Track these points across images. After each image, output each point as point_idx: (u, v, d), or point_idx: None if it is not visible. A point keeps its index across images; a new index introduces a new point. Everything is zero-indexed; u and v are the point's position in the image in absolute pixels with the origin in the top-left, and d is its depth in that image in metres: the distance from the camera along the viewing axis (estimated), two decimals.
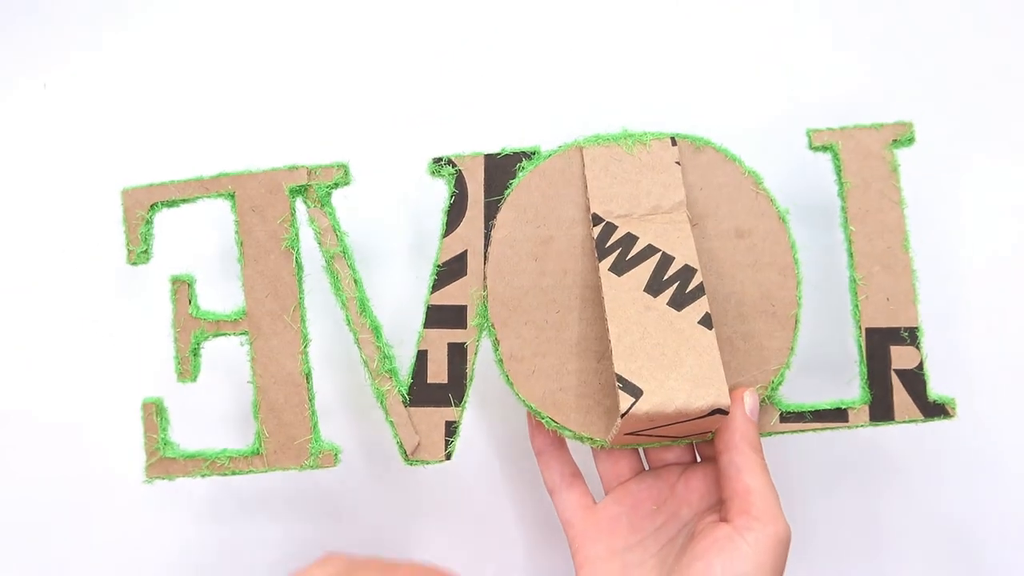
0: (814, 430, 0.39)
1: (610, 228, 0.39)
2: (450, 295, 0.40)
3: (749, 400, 0.38)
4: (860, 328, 0.39)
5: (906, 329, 0.39)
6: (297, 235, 0.41)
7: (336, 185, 0.41)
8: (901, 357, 0.39)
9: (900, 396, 0.39)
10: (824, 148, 0.40)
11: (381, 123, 0.50)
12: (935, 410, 0.39)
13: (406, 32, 0.51)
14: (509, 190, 0.40)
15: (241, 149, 0.50)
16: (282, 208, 0.41)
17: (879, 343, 0.39)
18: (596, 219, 0.39)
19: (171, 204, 0.42)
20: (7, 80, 0.52)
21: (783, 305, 0.39)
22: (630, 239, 0.38)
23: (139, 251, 0.42)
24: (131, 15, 0.52)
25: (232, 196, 0.41)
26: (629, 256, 0.38)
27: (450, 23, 0.51)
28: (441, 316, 0.40)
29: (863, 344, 0.39)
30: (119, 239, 0.50)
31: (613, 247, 0.38)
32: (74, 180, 0.51)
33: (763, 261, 0.39)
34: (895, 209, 0.39)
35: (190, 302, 0.42)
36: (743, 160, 0.40)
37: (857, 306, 0.39)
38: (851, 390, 0.41)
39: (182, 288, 0.42)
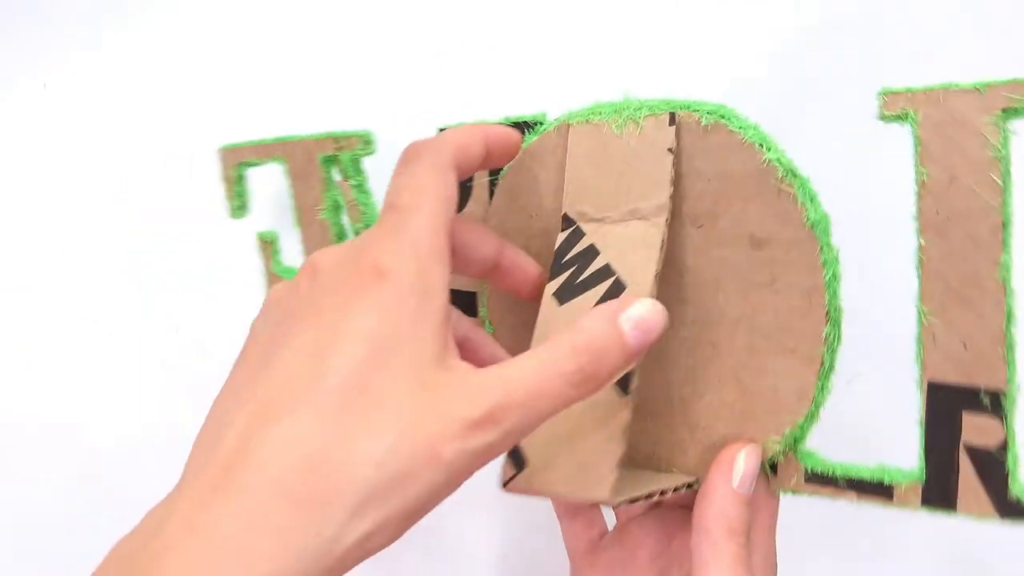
0: (848, 500, 0.30)
1: (576, 236, 0.32)
2: (462, 280, 0.37)
3: (742, 464, 0.29)
4: (922, 380, 0.29)
5: (988, 392, 0.27)
6: (335, 205, 0.40)
7: (359, 155, 0.39)
8: (976, 429, 0.27)
9: (968, 482, 0.27)
10: (900, 118, 0.28)
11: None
12: (1016, 510, 0.27)
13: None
14: (503, 171, 0.35)
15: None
16: (318, 177, 0.40)
17: (946, 405, 0.28)
18: (566, 221, 0.32)
19: (252, 164, 0.42)
20: (7, 80, 0.52)
21: (805, 340, 0.29)
22: (591, 254, 0.31)
23: (236, 206, 0.43)
24: (131, 15, 0.52)
25: (284, 161, 0.41)
26: (581, 278, 0.31)
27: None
28: (455, 301, 0.36)
29: (923, 402, 0.28)
30: (119, 239, 0.50)
31: (569, 263, 0.31)
32: (74, 180, 0.51)
33: (783, 281, 0.29)
34: (991, 216, 0.26)
35: (272, 259, 0.42)
36: (771, 140, 0.30)
37: (921, 349, 0.29)
38: (904, 452, 0.31)
39: (266, 246, 0.42)
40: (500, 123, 0.35)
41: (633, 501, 0.28)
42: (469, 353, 0.32)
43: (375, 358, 0.22)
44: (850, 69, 0.49)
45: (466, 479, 0.23)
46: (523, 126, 0.35)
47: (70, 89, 0.52)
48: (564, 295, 0.31)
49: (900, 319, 0.45)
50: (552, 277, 0.31)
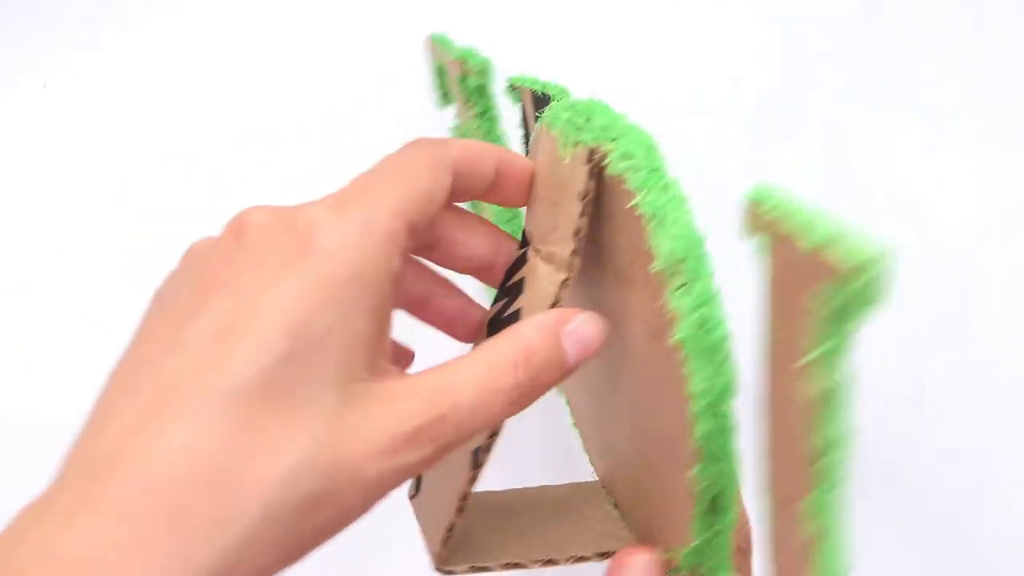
0: None
1: (522, 260, 0.27)
2: None
3: (632, 571, 0.24)
4: None
5: None
6: (479, 125, 0.38)
7: (479, 84, 0.36)
8: None
9: None
10: (755, 235, 0.17)
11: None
12: None
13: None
14: None
15: (241, 150, 0.50)
16: (460, 96, 0.39)
17: None
18: (523, 238, 0.27)
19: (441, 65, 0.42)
20: (7, 80, 0.52)
21: (680, 469, 0.23)
22: (518, 289, 0.26)
23: (441, 95, 0.43)
24: (131, 15, 0.52)
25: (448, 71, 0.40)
26: (504, 314, 0.27)
27: None
28: None
29: None
30: (118, 238, 0.50)
31: (506, 292, 0.27)
32: (74, 180, 0.51)
33: (668, 388, 0.22)
34: (801, 445, 0.16)
35: None
36: (673, 210, 0.22)
37: (770, 545, 0.20)
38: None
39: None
40: (539, 90, 0.29)
41: (483, 570, 0.25)
42: (432, 314, 0.28)
43: (294, 354, 0.18)
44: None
45: (383, 497, 0.20)
46: (546, 99, 0.29)
47: (70, 89, 0.51)
48: (492, 327, 0.27)
49: (899, 322, 0.45)
50: (495, 301, 0.28)
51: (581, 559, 0.27)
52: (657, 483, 0.25)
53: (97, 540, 0.17)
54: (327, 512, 0.18)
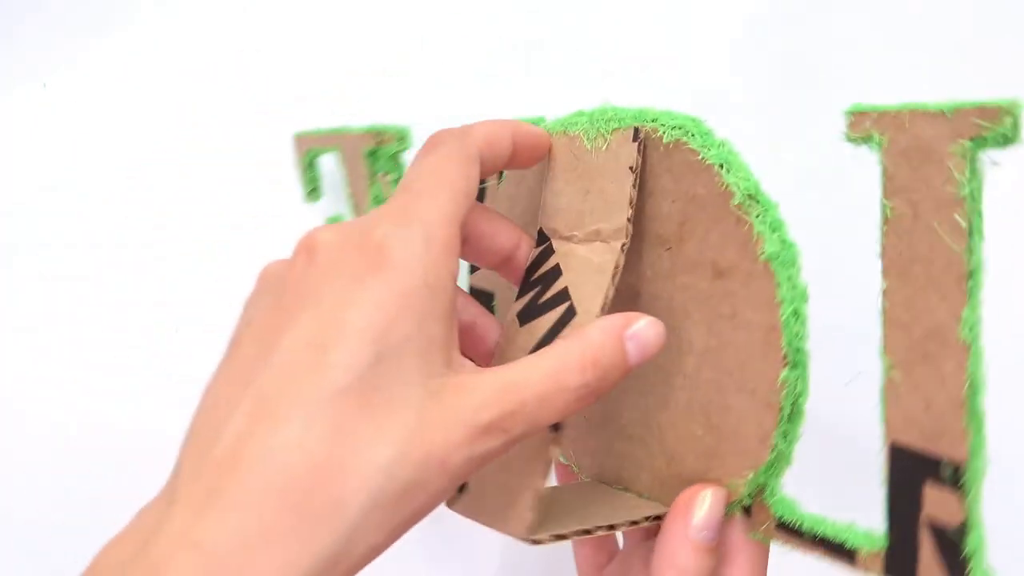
0: (817, 556, 0.27)
1: (547, 253, 0.30)
2: (483, 278, 0.36)
3: (701, 511, 0.27)
4: (885, 439, 0.25)
5: (950, 464, 0.23)
6: (377, 199, 0.41)
7: (396, 151, 0.40)
8: (938, 504, 0.23)
9: (928, 560, 0.24)
10: (865, 140, 0.24)
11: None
12: None
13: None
14: (502, 179, 0.34)
15: (240, 150, 0.50)
16: (362, 171, 0.40)
17: (908, 471, 0.24)
18: (540, 237, 0.31)
19: (320, 152, 0.44)
20: (7, 80, 0.52)
21: (764, 383, 0.26)
22: (555, 275, 0.29)
23: (308, 190, 0.45)
24: (131, 15, 0.52)
25: (340, 152, 0.42)
26: (542, 299, 0.29)
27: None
28: (476, 297, 0.36)
29: (886, 465, 0.25)
30: (118, 238, 0.50)
31: (536, 282, 0.30)
32: (73, 181, 0.51)
33: (743, 316, 0.27)
34: (955, 263, 0.22)
35: None
36: (736, 159, 0.27)
37: (884, 405, 0.25)
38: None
39: None
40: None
41: (562, 538, 0.27)
42: (476, 340, 0.31)
43: (381, 358, 0.21)
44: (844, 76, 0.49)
45: (465, 479, 0.23)
46: None
47: (70, 89, 0.52)
48: (524, 316, 0.30)
49: None
50: (519, 295, 0.30)
51: (636, 523, 0.29)
52: (718, 418, 0.28)
53: (228, 529, 0.19)
54: (420, 496, 0.21)
